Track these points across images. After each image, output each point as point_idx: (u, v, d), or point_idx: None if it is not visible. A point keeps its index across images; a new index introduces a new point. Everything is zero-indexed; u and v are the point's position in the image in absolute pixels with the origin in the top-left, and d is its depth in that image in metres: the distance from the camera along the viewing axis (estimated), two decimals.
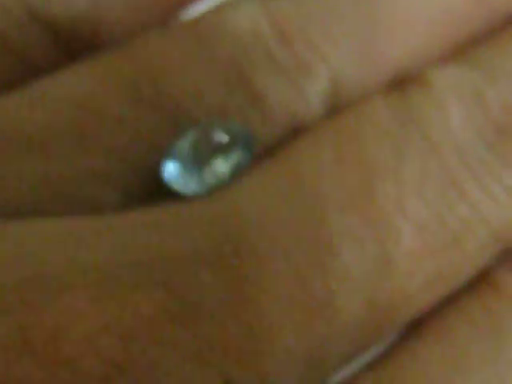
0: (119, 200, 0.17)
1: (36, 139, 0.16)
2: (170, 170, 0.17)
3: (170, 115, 0.17)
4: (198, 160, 0.17)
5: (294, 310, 0.15)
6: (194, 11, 0.20)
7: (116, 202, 0.17)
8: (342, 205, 0.16)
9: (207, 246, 0.15)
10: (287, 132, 0.18)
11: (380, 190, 0.16)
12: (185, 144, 0.17)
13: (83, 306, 0.14)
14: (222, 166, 0.17)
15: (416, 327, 0.17)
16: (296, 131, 0.18)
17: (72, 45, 0.19)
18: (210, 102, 0.17)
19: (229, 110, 0.17)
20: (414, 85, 0.18)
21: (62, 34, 0.19)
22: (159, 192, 0.17)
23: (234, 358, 0.15)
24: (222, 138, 0.17)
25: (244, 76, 0.18)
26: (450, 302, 0.17)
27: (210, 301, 0.15)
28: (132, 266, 0.15)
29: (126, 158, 0.17)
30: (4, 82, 0.18)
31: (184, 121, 0.17)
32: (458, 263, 0.16)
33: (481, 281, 0.17)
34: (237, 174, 0.17)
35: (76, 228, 0.15)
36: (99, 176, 0.16)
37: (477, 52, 0.19)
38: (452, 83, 0.18)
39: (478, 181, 0.17)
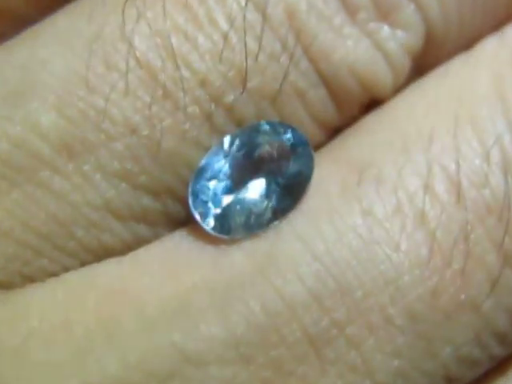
0: (137, 234, 0.14)
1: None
2: (201, 197, 0.13)
3: (203, 119, 0.13)
4: (236, 181, 0.13)
5: None
6: None
7: (134, 237, 0.14)
8: None
9: (250, 337, 0.13)
10: (360, 111, 0.14)
11: None
12: (220, 159, 0.13)
13: None
14: (268, 189, 0.13)
15: None
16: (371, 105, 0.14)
17: None
18: (259, 89, 0.13)
19: (285, 95, 0.14)
20: None
21: None
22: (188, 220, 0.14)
23: None
24: (270, 149, 0.13)
25: (305, 34, 0.14)
26: None
27: None
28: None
29: (147, 187, 0.14)
30: None
31: (222, 125, 0.13)
32: None
33: None
34: (293, 192, 0.13)
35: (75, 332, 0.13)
36: (116, 212, 0.14)
37: None
38: None
39: None
